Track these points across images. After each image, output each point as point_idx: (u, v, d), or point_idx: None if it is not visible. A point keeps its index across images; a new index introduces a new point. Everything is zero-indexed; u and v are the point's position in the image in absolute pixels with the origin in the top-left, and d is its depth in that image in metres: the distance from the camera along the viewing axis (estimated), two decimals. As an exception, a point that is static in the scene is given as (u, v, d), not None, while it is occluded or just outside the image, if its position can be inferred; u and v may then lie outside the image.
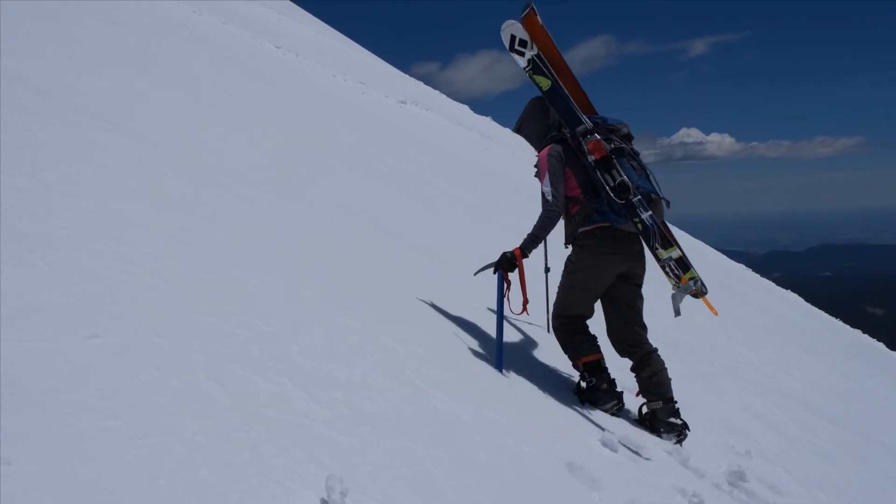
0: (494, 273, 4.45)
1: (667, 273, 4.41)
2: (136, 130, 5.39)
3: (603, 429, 3.87)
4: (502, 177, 13.02)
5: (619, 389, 4.53)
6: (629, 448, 3.86)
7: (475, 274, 4.67)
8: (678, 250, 4.39)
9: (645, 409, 4.52)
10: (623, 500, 3.11)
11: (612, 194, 4.30)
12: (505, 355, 4.32)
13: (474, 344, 4.43)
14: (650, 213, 4.33)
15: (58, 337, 2.32)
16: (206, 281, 3.34)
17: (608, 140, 4.46)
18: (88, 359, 2.29)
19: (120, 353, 2.40)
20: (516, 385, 4.04)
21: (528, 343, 4.90)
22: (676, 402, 4.47)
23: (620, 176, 4.31)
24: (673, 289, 4.40)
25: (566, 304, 4.54)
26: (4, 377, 2.02)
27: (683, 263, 4.39)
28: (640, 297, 4.66)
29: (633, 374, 4.58)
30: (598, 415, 4.22)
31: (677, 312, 4.39)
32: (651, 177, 4.56)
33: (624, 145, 4.50)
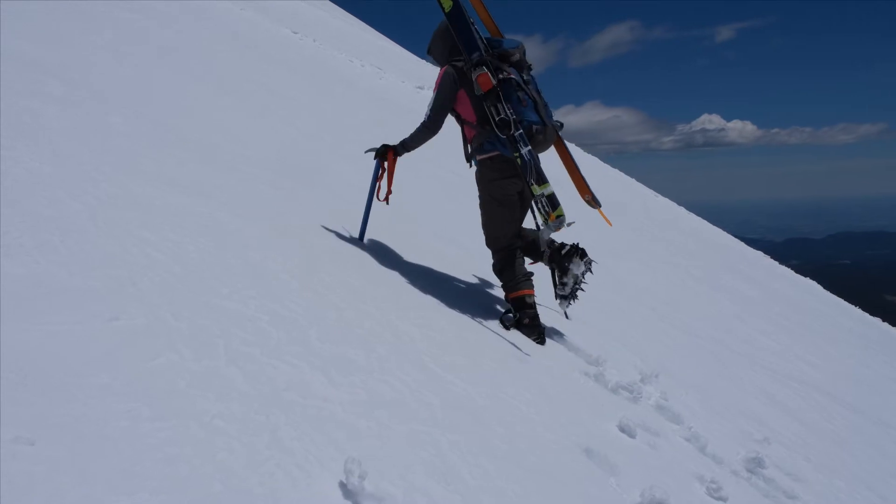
0: (374, 159, 4.90)
1: (538, 208, 4.53)
2: (156, 116, 5.41)
3: (621, 414, 3.86)
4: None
5: (542, 327, 4.68)
6: (647, 433, 3.85)
7: (366, 151, 4.96)
8: (550, 188, 4.51)
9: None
10: (640, 486, 3.10)
11: (495, 128, 4.46)
12: (521, 341, 4.34)
13: (492, 330, 4.43)
14: (529, 147, 4.46)
15: (79, 320, 2.34)
16: (225, 265, 3.35)
17: (498, 70, 4.54)
18: (109, 342, 2.31)
19: (140, 337, 2.42)
20: (534, 370, 4.04)
21: (547, 330, 4.89)
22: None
23: (503, 112, 4.43)
24: (541, 224, 4.55)
25: (494, 237, 4.78)
26: (28, 360, 2.04)
27: (553, 200, 4.50)
28: (522, 211, 4.85)
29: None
30: (616, 400, 4.21)
31: (544, 245, 4.74)
32: (539, 106, 4.68)
33: (513, 76, 4.57)
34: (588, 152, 21.10)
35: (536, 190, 4.47)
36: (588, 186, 5.14)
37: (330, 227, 4.89)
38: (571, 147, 19.86)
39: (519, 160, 4.46)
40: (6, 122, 3.75)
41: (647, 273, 9.18)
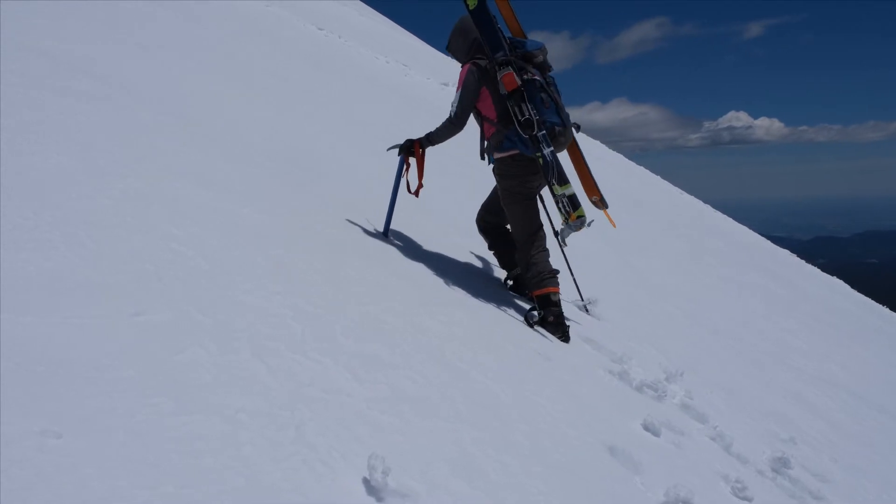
0: (398, 154, 4.95)
1: (559, 208, 4.67)
2: (182, 112, 5.45)
3: (646, 413, 3.84)
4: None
5: (567, 324, 4.72)
6: (672, 432, 3.82)
7: (388, 149, 5.05)
8: (571, 189, 4.66)
9: (509, 280, 5.13)
10: (665, 485, 3.08)
11: (519, 128, 4.56)
12: (546, 339, 4.34)
13: (515, 326, 4.42)
14: (551, 148, 4.57)
15: (106, 314, 2.36)
16: (249, 260, 3.36)
17: (522, 70, 4.63)
18: (135, 336, 2.32)
19: (165, 331, 2.43)
20: (558, 367, 4.02)
21: (574, 327, 4.87)
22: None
23: (527, 112, 4.52)
24: (562, 224, 4.70)
25: (521, 231, 4.84)
26: (56, 354, 2.05)
27: (574, 201, 4.65)
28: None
29: (493, 252, 5.13)
30: (641, 398, 4.19)
31: (564, 244, 4.85)
32: (560, 108, 4.77)
33: (536, 77, 4.67)
34: (613, 149, 21.00)
35: (558, 190, 4.59)
36: (597, 187, 5.28)
37: (354, 223, 4.90)
38: (596, 144, 19.81)
39: (541, 160, 4.55)
40: (36, 118, 3.79)
41: (673, 271, 9.12)
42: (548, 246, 4.87)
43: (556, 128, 4.66)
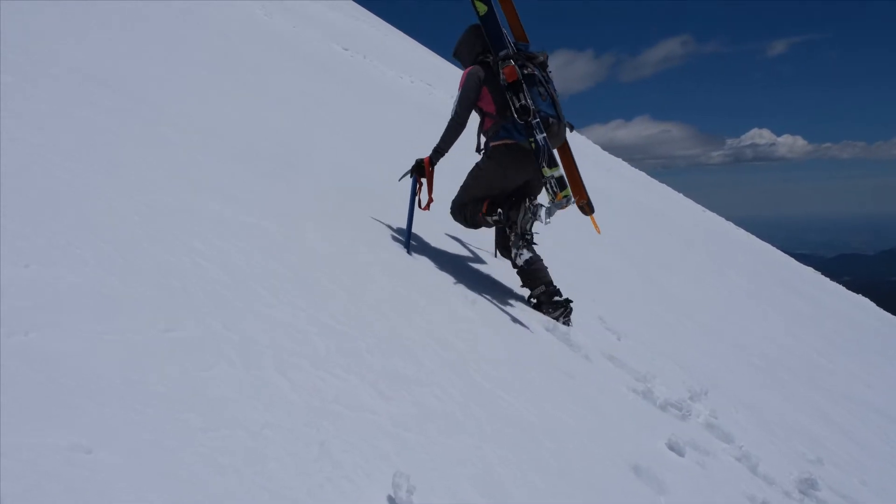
0: (410, 177, 5.16)
1: (547, 189, 4.91)
2: (207, 127, 5.50)
3: (670, 432, 3.81)
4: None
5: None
6: (697, 452, 3.80)
7: (399, 179, 5.30)
8: (560, 171, 4.95)
9: (532, 299, 5.15)
10: (690, 506, 3.06)
11: (515, 115, 4.85)
12: (569, 356, 4.30)
13: (540, 343, 4.42)
14: (544, 135, 4.85)
15: (135, 329, 2.37)
16: (274, 275, 3.38)
17: (523, 66, 4.94)
18: (165, 352, 2.34)
19: (193, 347, 2.45)
20: (582, 385, 4.01)
21: (597, 344, 4.85)
22: (555, 286, 5.10)
23: (525, 100, 4.84)
24: (549, 202, 4.89)
25: (465, 198, 5.24)
26: (87, 369, 2.07)
27: (562, 182, 4.92)
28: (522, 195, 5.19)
29: (515, 270, 5.17)
30: (665, 417, 4.16)
31: (547, 220, 4.97)
32: (556, 104, 5.06)
33: (536, 73, 4.99)
34: (636, 166, 20.99)
35: (547, 172, 4.87)
36: (585, 191, 5.58)
37: (379, 239, 4.92)
38: (618, 161, 19.78)
39: (533, 145, 4.84)
40: (64, 134, 3.84)
41: (696, 288, 9.08)
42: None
43: (551, 119, 4.97)
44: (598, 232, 5.56)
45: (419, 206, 5.17)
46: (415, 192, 5.17)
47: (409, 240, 5.08)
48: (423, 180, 5.13)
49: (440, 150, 5.03)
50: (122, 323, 2.39)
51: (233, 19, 12.03)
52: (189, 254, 3.14)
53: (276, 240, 3.89)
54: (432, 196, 5.13)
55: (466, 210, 5.25)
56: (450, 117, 5.03)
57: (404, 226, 5.13)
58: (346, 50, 15.27)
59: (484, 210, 5.15)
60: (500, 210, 5.08)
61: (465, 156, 5.29)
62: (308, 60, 12.36)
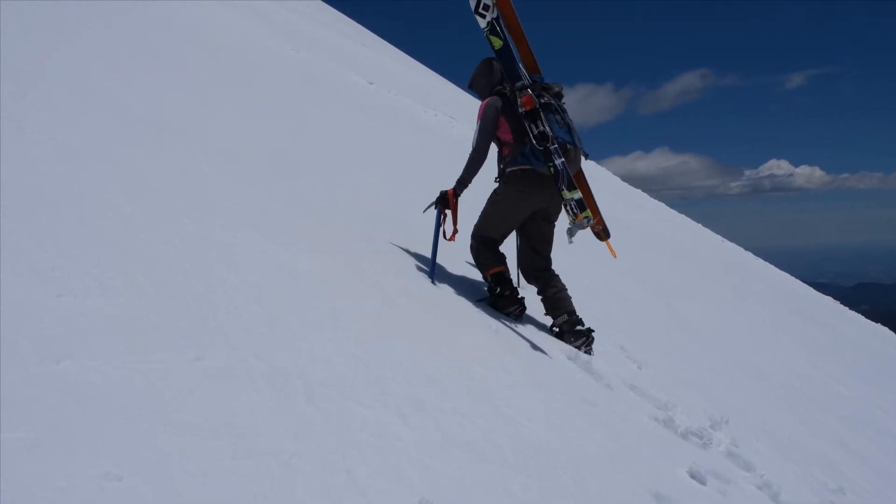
0: (435, 208, 5.23)
1: (567, 210, 5.02)
2: (241, 161, 5.58)
3: (691, 460, 3.82)
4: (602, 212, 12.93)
5: (520, 296, 5.26)
6: (718, 480, 3.80)
7: (424, 211, 5.38)
8: (579, 193, 5.04)
9: (555, 328, 5.21)
10: (713, 534, 3.06)
11: (533, 141, 4.95)
12: (590, 384, 4.32)
13: (562, 371, 4.44)
14: (562, 160, 4.96)
15: (166, 359, 2.43)
16: (303, 306, 3.43)
17: (539, 96, 5.07)
18: (195, 380, 2.39)
19: (223, 376, 2.50)
20: (603, 413, 4.02)
21: (618, 373, 4.87)
22: (577, 315, 5.19)
23: (542, 126, 4.94)
24: (570, 223, 5.02)
25: (485, 227, 5.30)
26: (119, 397, 2.12)
27: (581, 204, 5.03)
28: (551, 231, 5.40)
29: (540, 297, 5.31)
30: (686, 445, 4.17)
31: (570, 240, 5.09)
32: (572, 131, 5.20)
33: (552, 102, 5.12)
34: (655, 197, 20.99)
35: (567, 195, 4.98)
36: (601, 217, 5.62)
37: (405, 268, 4.97)
38: (637, 192, 19.81)
39: (552, 169, 4.95)
40: (101, 167, 3.92)
41: (716, 317, 9.06)
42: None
43: (568, 145, 5.09)
44: (615, 256, 5.63)
45: (444, 236, 5.22)
46: (439, 223, 5.24)
47: (434, 269, 5.15)
48: (448, 211, 5.20)
49: (463, 181, 5.11)
50: (154, 352, 2.44)
51: (258, 52, 12.20)
52: (221, 285, 3.19)
53: (306, 271, 3.94)
54: (457, 227, 5.19)
55: (482, 255, 5.31)
56: (471, 149, 5.12)
57: (429, 255, 5.18)
58: (372, 84, 15.42)
59: (492, 272, 5.24)
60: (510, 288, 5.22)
61: (487, 186, 5.35)
62: (337, 95, 12.51)
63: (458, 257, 5.85)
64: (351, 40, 23.21)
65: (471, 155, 5.10)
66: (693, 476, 3.70)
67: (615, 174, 23.21)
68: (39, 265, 2.64)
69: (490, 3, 5.17)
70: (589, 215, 5.00)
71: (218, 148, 5.56)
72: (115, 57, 6.76)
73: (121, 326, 2.49)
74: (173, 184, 4.28)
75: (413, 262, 5.23)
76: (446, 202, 5.16)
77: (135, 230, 3.32)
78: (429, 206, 5.30)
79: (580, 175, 5.46)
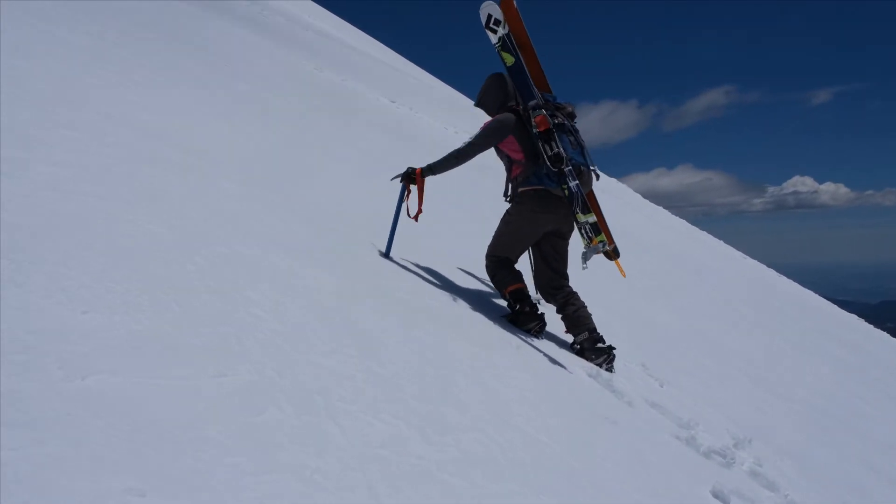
0: (401, 182, 5.31)
1: (582, 234, 5.04)
2: (265, 180, 5.63)
3: (714, 480, 3.79)
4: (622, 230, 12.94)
5: (540, 312, 5.24)
6: (742, 500, 3.77)
7: (391, 179, 5.44)
8: (594, 216, 5.06)
9: (576, 345, 5.22)
10: (736, 555, 3.04)
11: (548, 162, 4.95)
12: (612, 403, 4.30)
13: (583, 389, 4.43)
14: (577, 182, 4.96)
15: (189, 375, 2.45)
16: (325, 324, 3.45)
17: (553, 116, 5.08)
18: (217, 397, 2.41)
19: (245, 392, 2.51)
20: (625, 431, 4.01)
21: (640, 391, 4.85)
22: (598, 332, 5.20)
23: (557, 148, 4.95)
24: (584, 247, 4.99)
25: (499, 247, 5.33)
26: (142, 414, 2.14)
27: (596, 227, 5.03)
28: (565, 248, 5.41)
29: (560, 315, 5.34)
30: (709, 465, 4.14)
31: (584, 265, 5.02)
32: (585, 152, 5.24)
33: (566, 122, 5.15)
34: (677, 214, 20.93)
35: (581, 218, 4.98)
36: (611, 237, 5.58)
37: (427, 287, 4.98)
38: (659, 210, 19.74)
39: (567, 192, 4.95)
40: (128, 188, 3.96)
41: (738, 335, 9.00)
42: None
43: (581, 167, 5.13)
44: (624, 276, 5.65)
45: (408, 214, 5.31)
46: (401, 199, 5.33)
47: (391, 244, 5.27)
48: (413, 188, 5.26)
49: (433, 168, 5.20)
50: (177, 369, 2.46)
51: (278, 71, 12.31)
52: (244, 303, 3.22)
53: (328, 289, 3.96)
54: (421, 208, 5.27)
55: (498, 275, 5.32)
56: (461, 144, 5.17)
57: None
58: (394, 102, 15.51)
59: (510, 290, 5.25)
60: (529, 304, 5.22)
61: (496, 210, 5.38)
62: (359, 113, 12.59)
63: (479, 274, 5.86)
64: (371, 58, 23.33)
65: (456, 150, 5.17)
66: (716, 496, 3.68)
67: (637, 191, 23.16)
68: (65, 283, 2.67)
69: (501, 19, 5.20)
70: (604, 239, 5.00)
71: (241, 168, 5.61)
72: (142, 76, 6.85)
73: (144, 343, 2.52)
74: (198, 203, 4.31)
75: (436, 279, 5.25)
76: (412, 179, 5.23)
77: (160, 250, 3.35)
78: (395, 177, 5.37)
79: (591, 196, 5.48)
